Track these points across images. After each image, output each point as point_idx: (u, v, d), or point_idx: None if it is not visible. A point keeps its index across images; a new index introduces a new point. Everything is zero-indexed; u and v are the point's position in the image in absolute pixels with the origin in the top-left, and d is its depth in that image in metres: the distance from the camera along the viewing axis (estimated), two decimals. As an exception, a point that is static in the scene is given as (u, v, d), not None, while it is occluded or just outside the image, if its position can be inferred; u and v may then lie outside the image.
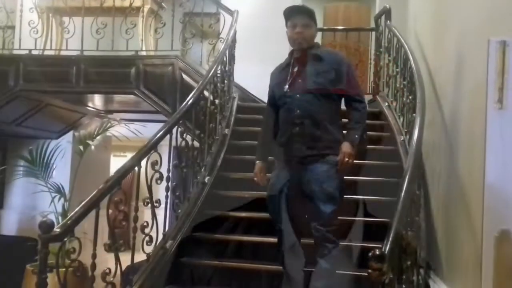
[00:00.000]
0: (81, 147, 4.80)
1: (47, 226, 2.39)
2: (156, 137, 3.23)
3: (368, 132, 4.53)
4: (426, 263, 3.06)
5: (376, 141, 4.42)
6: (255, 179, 2.93)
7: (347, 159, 2.60)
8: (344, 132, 2.79)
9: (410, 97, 3.79)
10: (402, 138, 4.01)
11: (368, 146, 4.27)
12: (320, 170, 2.67)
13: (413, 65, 3.74)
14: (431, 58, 3.91)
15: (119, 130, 5.55)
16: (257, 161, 2.94)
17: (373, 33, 6.10)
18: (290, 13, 2.81)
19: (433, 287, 2.97)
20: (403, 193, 2.30)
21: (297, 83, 2.76)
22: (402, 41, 4.31)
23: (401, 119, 4.20)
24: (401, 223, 2.23)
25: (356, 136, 2.68)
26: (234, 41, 4.92)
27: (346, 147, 2.64)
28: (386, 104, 4.84)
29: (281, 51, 6.34)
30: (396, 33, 4.58)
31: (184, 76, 4.78)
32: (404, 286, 2.41)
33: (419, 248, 2.95)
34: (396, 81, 4.54)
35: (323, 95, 2.72)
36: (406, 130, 3.95)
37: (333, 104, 2.80)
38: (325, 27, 7.63)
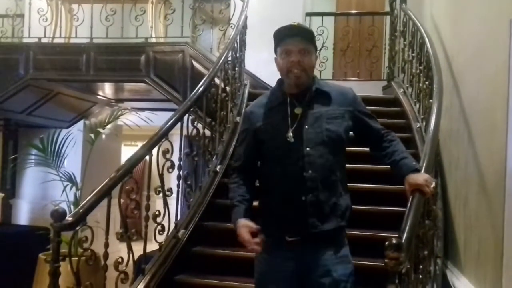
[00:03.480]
0: (92, 136, 4.77)
1: (59, 215, 2.37)
2: (167, 125, 3.18)
3: (383, 119, 4.48)
4: (443, 253, 3.00)
5: (391, 129, 4.32)
6: (248, 245, 1.98)
7: (432, 185, 1.92)
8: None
9: (427, 82, 3.70)
10: (418, 125, 3.93)
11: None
12: (335, 255, 1.98)
13: (429, 49, 3.65)
14: (449, 42, 3.80)
15: (130, 118, 5.51)
16: (238, 220, 2.03)
17: (388, 17, 6.00)
18: (282, 36, 2.03)
19: (451, 277, 2.91)
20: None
21: (305, 130, 1.98)
22: (418, 24, 4.20)
23: (417, 105, 4.12)
24: (418, 212, 2.16)
25: (414, 162, 2.00)
26: (245, 27, 4.84)
27: (416, 176, 1.95)
28: (402, 90, 4.75)
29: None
30: (412, 17, 4.47)
31: (195, 63, 4.71)
32: (420, 276, 2.35)
33: (436, 237, 2.89)
34: (412, 66, 4.44)
35: (337, 147, 2.02)
36: (422, 116, 3.86)
37: (344, 157, 2.11)
38: (338, 12, 7.50)
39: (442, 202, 3.24)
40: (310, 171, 1.94)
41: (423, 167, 2.30)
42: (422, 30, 4.04)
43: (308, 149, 1.96)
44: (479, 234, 2.59)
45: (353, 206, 2.10)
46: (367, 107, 4.67)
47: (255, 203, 2.12)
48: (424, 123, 3.71)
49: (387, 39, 6.15)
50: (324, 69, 6.47)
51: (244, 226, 1.98)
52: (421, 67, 4.01)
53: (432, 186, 1.81)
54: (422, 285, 2.34)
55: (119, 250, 2.92)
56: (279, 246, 1.99)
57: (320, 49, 6.71)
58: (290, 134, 1.96)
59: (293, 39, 2.01)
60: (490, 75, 2.54)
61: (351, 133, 2.10)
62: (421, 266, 2.30)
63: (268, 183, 2.07)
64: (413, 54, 4.40)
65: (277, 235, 2.00)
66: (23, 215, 6.59)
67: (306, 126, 1.98)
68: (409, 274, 2.03)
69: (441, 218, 3.11)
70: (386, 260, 1.55)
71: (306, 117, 2.00)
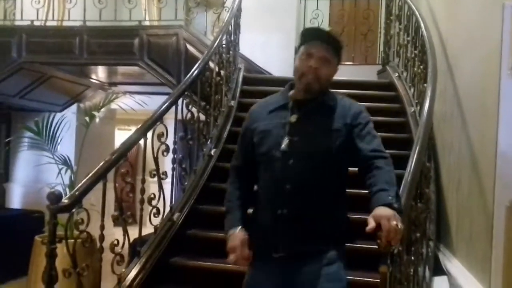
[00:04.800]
0: (87, 119, 4.76)
1: (55, 197, 2.38)
2: (162, 108, 3.18)
3: (377, 104, 4.50)
4: (436, 236, 3.04)
5: (386, 113, 4.35)
6: (231, 257, 1.90)
7: (394, 222, 1.55)
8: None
9: (421, 66, 3.71)
10: (412, 110, 3.94)
11: (377, 118, 4.21)
12: (322, 272, 1.79)
13: (424, 33, 3.65)
14: (443, 26, 3.81)
15: (124, 102, 5.49)
16: (232, 230, 1.92)
17: (383, 0, 5.97)
18: (309, 36, 1.90)
19: (443, 259, 2.95)
20: (412, 164, 2.24)
21: (294, 141, 1.83)
22: (414, 8, 4.20)
23: (412, 89, 4.13)
24: (410, 194, 2.19)
25: (390, 197, 1.64)
26: (239, 10, 4.81)
27: (382, 210, 1.60)
28: (396, 74, 4.76)
29: (287, 21, 6.33)
30: (407, 0, 4.45)
31: (189, 46, 4.69)
32: (413, 258, 2.39)
33: (429, 220, 2.93)
34: (407, 50, 4.45)
35: (327, 162, 1.84)
36: (417, 101, 3.88)
37: (339, 171, 1.91)
38: (333, -5, 7.46)
39: (435, 186, 3.27)
40: (288, 185, 1.80)
41: (416, 151, 2.32)
42: (417, 13, 4.04)
43: (291, 161, 1.82)
44: (471, 217, 2.62)
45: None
46: (361, 91, 4.70)
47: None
48: (418, 108, 3.73)
49: (382, 23, 6.14)
50: (318, 53, 6.45)
51: (239, 239, 1.88)
52: (416, 51, 4.01)
53: (393, 223, 1.52)
54: (414, 266, 2.38)
55: (113, 233, 2.94)
56: (264, 259, 1.87)
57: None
58: (283, 145, 1.83)
59: (318, 44, 1.85)
60: (483, 58, 2.55)
61: None
62: (413, 248, 2.33)
63: (259, 190, 1.97)
64: (408, 38, 4.39)
65: (262, 248, 1.89)
66: (16, 199, 6.58)
67: (296, 138, 1.84)
68: (401, 255, 2.07)
69: (434, 201, 3.15)
70: (378, 241, 1.56)
71: (299, 127, 1.85)
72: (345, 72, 5.79)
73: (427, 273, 2.70)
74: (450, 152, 3.20)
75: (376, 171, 1.74)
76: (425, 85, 3.29)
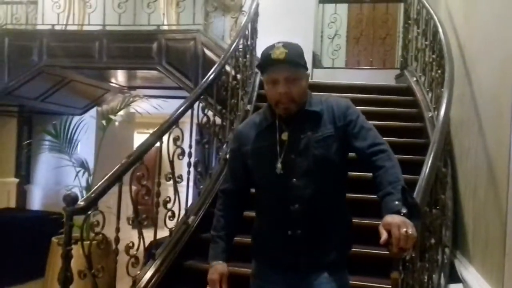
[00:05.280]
0: (104, 122, 4.83)
1: (71, 199, 2.41)
2: (178, 112, 3.21)
3: (394, 108, 4.47)
4: (452, 243, 3.00)
5: (403, 118, 4.32)
6: None
7: (404, 229, 1.50)
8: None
9: (439, 71, 3.67)
10: (430, 115, 3.90)
11: (394, 123, 4.18)
12: (337, 284, 1.79)
13: (442, 38, 3.61)
14: (461, 30, 3.76)
15: (142, 106, 5.55)
16: (214, 262, 1.91)
17: (402, 4, 5.93)
18: (265, 64, 1.80)
19: (458, 266, 2.91)
20: (427, 169, 2.22)
21: (291, 160, 1.79)
22: (432, 12, 4.16)
23: (430, 94, 4.09)
24: (425, 200, 2.16)
25: (397, 202, 1.59)
26: (256, 14, 4.83)
27: (391, 218, 1.54)
28: (414, 79, 4.72)
29: (305, 25, 6.32)
30: (426, 4, 4.42)
31: (206, 51, 4.72)
32: (427, 264, 2.36)
33: (445, 227, 2.89)
34: (425, 54, 4.40)
35: (328, 173, 1.81)
36: (434, 106, 3.83)
37: (340, 176, 1.89)
38: (351, -1, 7.44)
39: (452, 192, 3.23)
40: (296, 205, 1.77)
41: (431, 156, 2.30)
42: (436, 18, 4.00)
43: (294, 180, 1.78)
44: (487, 224, 2.58)
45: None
46: (378, 96, 4.68)
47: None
48: (436, 112, 3.68)
49: (401, 27, 6.10)
50: (336, 58, 6.45)
51: (218, 272, 1.87)
52: (434, 56, 3.98)
53: (403, 230, 1.49)
54: (428, 273, 2.35)
55: (130, 236, 2.97)
56: (270, 273, 1.86)
57: (333, 37, 6.68)
58: (279, 165, 1.78)
59: (278, 67, 1.76)
60: (499, 62, 2.52)
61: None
62: (427, 255, 2.30)
63: (259, 209, 1.94)
64: (426, 43, 4.35)
65: (268, 263, 1.88)
66: (37, 201, 6.70)
67: (293, 155, 1.79)
68: (414, 262, 2.05)
69: (451, 207, 3.10)
70: (389, 247, 1.55)
71: (293, 144, 1.80)
72: (363, 76, 5.84)
73: (442, 280, 2.66)
74: (467, 158, 3.16)
75: (378, 171, 1.71)
76: (442, 89, 3.26)
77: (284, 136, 1.81)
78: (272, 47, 1.77)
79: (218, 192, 2.04)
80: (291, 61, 1.76)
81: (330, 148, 1.79)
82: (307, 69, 1.85)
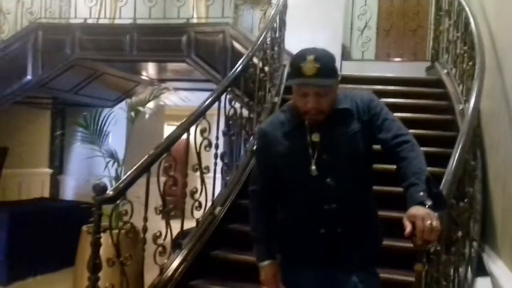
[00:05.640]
0: (133, 113, 4.92)
1: (100, 189, 2.47)
2: (205, 104, 3.24)
3: (425, 101, 4.41)
4: (480, 236, 2.95)
5: (433, 111, 4.25)
6: None
7: (429, 221, 1.49)
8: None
9: (470, 63, 3.59)
10: (460, 107, 3.83)
11: (424, 115, 4.13)
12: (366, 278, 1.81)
13: (473, 29, 3.54)
14: (494, 22, 3.67)
15: (171, 98, 5.62)
16: (265, 262, 1.92)
17: (433, -5, 5.82)
18: (296, 73, 1.73)
19: (487, 260, 2.86)
20: (454, 162, 2.19)
21: (324, 160, 1.78)
22: (464, 3, 4.07)
23: (461, 87, 4.01)
24: (451, 192, 2.13)
25: (421, 193, 1.58)
26: (285, 6, 4.81)
27: (415, 209, 1.54)
28: (445, 71, 4.63)
29: (334, 17, 6.28)
30: (457, -5, 4.33)
31: (235, 43, 4.74)
32: (453, 257, 2.33)
33: (473, 220, 2.85)
34: (456, 46, 4.31)
35: (360, 169, 1.83)
36: (465, 98, 3.76)
37: (369, 170, 1.91)
38: (382, -9, 7.34)
39: (482, 185, 3.17)
40: (333, 204, 1.77)
41: (459, 149, 2.27)
42: (467, 9, 3.92)
43: (328, 179, 1.77)
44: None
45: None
46: (408, 88, 4.62)
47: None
48: (466, 105, 3.62)
49: (432, 18, 5.99)
50: (366, 50, 6.38)
51: (271, 273, 1.90)
52: (465, 48, 3.90)
53: (427, 223, 1.48)
54: (454, 266, 2.32)
55: (158, 226, 3.03)
56: (301, 269, 1.88)
57: (363, 29, 6.62)
58: (313, 167, 1.77)
59: (308, 82, 1.71)
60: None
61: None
62: (453, 248, 2.28)
63: (288, 210, 1.92)
64: (458, 34, 4.27)
65: (299, 260, 1.89)
66: (69, 191, 6.88)
67: (325, 156, 1.77)
68: (439, 254, 2.03)
69: (480, 201, 3.05)
70: (413, 239, 1.54)
71: (325, 144, 1.78)
72: (393, 68, 5.76)
73: (469, 273, 2.63)
74: (497, 151, 3.09)
75: (402, 162, 1.69)
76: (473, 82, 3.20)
77: (315, 137, 1.79)
78: (303, 58, 1.70)
79: (250, 192, 2.01)
80: (323, 79, 1.71)
81: (359, 144, 1.78)
82: (338, 76, 1.80)
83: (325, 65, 1.70)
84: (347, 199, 1.78)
